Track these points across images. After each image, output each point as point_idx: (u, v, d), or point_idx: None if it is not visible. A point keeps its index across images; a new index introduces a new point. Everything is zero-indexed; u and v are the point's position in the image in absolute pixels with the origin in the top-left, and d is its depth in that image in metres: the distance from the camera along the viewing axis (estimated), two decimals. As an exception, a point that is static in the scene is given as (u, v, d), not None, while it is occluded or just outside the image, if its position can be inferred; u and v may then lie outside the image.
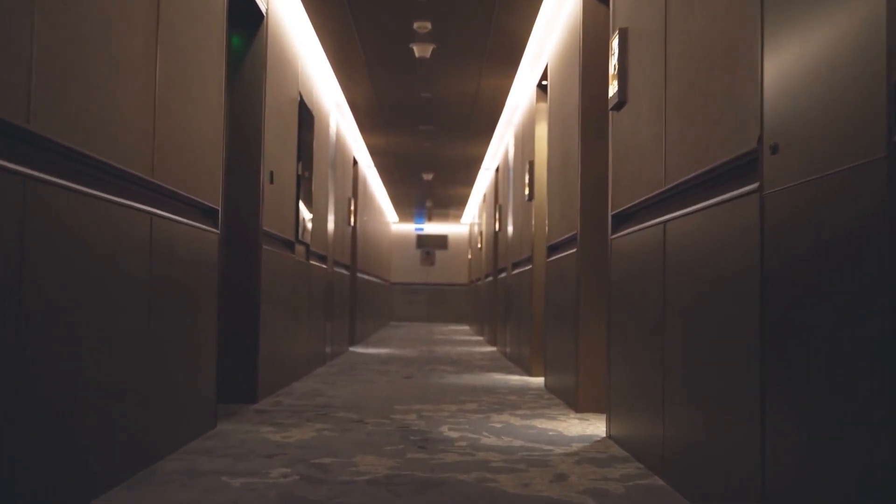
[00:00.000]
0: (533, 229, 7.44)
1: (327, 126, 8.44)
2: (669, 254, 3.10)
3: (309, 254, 7.31)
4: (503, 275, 10.35)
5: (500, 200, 11.14)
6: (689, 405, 2.82)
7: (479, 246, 15.73)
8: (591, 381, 5.05)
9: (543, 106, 7.43)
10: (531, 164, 7.57)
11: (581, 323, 5.09)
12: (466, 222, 21.49)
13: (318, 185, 7.73)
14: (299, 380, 6.75)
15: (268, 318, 5.50)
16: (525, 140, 8.19)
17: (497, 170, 12.06)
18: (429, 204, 18.03)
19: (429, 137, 10.75)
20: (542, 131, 7.42)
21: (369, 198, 14.14)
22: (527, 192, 7.72)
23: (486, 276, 13.51)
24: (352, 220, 10.79)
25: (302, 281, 6.93)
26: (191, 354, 3.80)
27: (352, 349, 11.00)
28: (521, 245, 8.45)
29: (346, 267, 10.45)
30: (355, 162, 11.73)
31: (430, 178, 13.64)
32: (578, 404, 5.05)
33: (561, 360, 5.76)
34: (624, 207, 3.86)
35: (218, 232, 4.22)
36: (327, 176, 8.49)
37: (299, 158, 6.63)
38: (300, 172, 6.64)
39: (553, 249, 6.29)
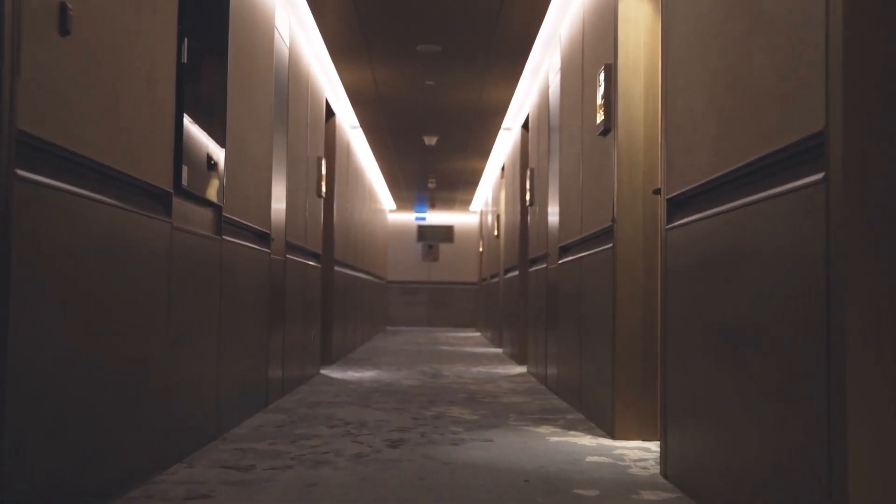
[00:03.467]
0: (616, 182, 4.27)
1: (269, 24, 5.25)
2: None
3: (221, 223, 4.14)
4: (541, 266, 7.15)
5: (532, 163, 7.94)
6: None
7: (495, 234, 12.51)
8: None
9: (633, -35, 4.25)
10: (609, 69, 4.39)
11: (852, 359, 1.90)
12: (476, 209, 18.26)
13: (241, 106, 4.55)
14: (190, 456, 3.57)
15: (51, 339, 2.31)
16: (593, 38, 4.99)
17: (526, 125, 8.88)
18: (431, 185, 14.74)
19: (432, 68, 7.53)
20: (631, 9, 4.25)
21: (356, 173, 10.92)
22: (600, 119, 4.54)
23: (507, 270, 10.35)
24: (323, 188, 7.58)
25: (202, 269, 3.75)
26: None
27: (324, 371, 7.81)
28: (580, 215, 5.26)
29: (313, 256, 7.27)
30: (331, 112, 8.54)
31: (433, 142, 10.41)
32: None
33: (732, 436, 2.58)
34: None
35: None
36: (269, 105, 5.30)
37: (184, 36, 3.46)
38: (184, 61, 3.46)
39: (681, 205, 3.13)
